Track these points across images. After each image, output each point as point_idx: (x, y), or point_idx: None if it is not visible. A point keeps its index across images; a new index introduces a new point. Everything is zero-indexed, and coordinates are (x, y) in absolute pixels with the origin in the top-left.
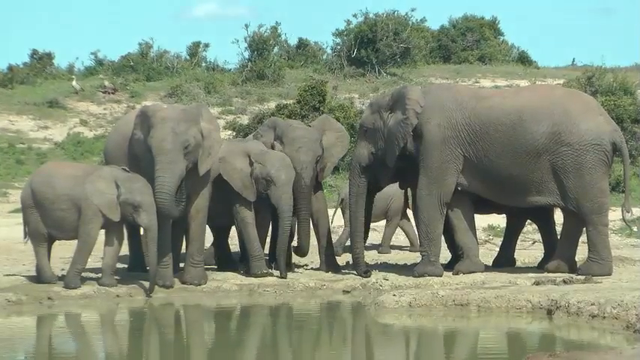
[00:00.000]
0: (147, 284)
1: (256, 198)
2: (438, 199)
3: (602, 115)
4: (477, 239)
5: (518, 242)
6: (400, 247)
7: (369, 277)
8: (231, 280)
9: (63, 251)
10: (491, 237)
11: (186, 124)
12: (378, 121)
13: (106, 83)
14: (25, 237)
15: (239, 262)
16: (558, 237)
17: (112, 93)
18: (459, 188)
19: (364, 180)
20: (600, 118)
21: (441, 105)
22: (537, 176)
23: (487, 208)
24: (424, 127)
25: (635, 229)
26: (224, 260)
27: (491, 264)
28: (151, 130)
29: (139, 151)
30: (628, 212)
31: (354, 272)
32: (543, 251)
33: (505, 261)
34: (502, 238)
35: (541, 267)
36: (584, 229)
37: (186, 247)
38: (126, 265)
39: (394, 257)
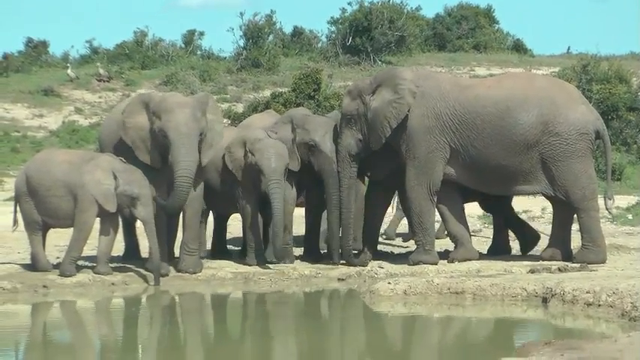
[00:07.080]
0: (142, 272)
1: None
2: (428, 188)
3: (584, 104)
4: (468, 227)
5: None
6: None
7: (366, 265)
8: (226, 268)
9: (58, 239)
10: (486, 225)
11: (200, 112)
12: (360, 106)
13: (101, 71)
14: (13, 224)
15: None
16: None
17: (107, 81)
18: (445, 178)
19: (355, 169)
20: (583, 107)
21: (423, 94)
22: (525, 166)
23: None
24: (407, 116)
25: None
26: (220, 249)
27: (486, 252)
28: (165, 115)
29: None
30: (610, 199)
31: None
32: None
33: (500, 249)
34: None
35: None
36: (575, 216)
37: (182, 235)
38: (121, 254)
39: (389, 245)
